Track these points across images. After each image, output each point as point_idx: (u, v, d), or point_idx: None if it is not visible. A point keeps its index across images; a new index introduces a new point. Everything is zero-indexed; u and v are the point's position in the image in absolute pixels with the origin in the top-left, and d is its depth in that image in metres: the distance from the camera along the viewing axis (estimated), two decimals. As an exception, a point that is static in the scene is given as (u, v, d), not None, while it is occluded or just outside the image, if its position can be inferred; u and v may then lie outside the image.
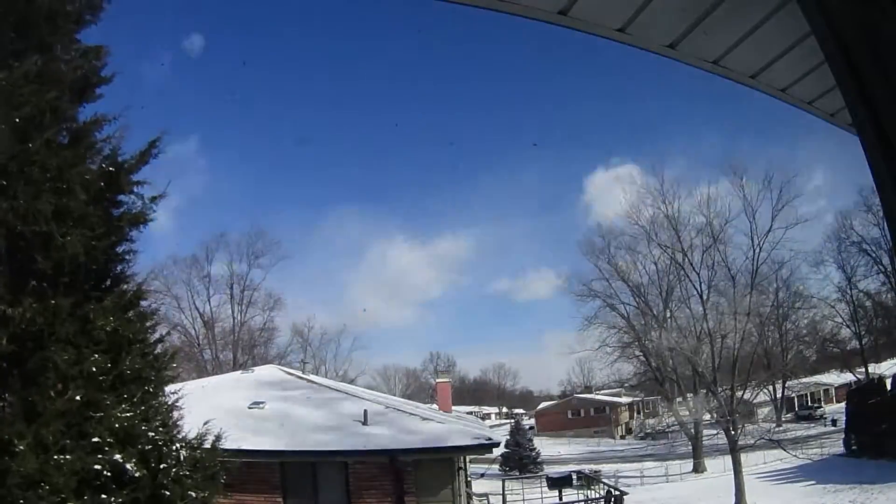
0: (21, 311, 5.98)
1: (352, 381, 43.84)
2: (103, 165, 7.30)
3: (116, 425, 6.50)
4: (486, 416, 63.73)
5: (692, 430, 36.34)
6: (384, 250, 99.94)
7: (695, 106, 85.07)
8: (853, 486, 25.29)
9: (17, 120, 6.34)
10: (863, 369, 45.98)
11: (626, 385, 54.82)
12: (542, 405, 71.55)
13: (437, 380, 29.73)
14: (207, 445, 7.88)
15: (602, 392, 64.05)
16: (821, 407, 51.55)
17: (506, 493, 24.13)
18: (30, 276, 6.37)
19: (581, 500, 22.09)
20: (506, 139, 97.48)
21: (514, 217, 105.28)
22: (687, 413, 35.98)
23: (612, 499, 19.77)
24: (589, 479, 26.09)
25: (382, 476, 15.01)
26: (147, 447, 6.81)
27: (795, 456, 32.80)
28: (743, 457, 28.29)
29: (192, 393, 9.44)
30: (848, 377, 47.32)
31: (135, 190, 7.47)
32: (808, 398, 54.08)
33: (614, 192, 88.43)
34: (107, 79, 7.77)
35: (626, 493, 20.48)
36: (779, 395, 49.08)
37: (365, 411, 16.03)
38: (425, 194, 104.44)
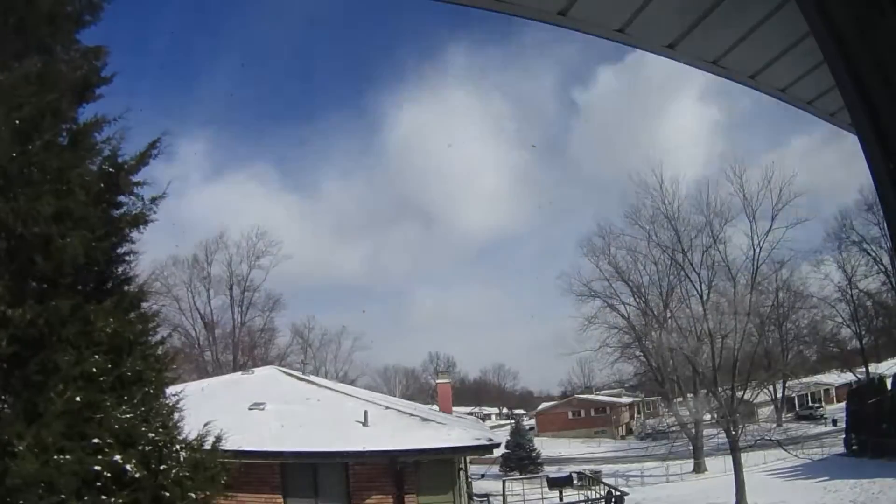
0: (21, 313, 5.98)
1: (352, 382, 43.81)
2: (103, 166, 7.31)
3: (117, 426, 6.50)
4: (486, 417, 63.63)
5: (693, 431, 36.33)
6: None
7: (693, 103, 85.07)
8: (854, 486, 25.30)
9: (18, 121, 6.35)
10: (863, 369, 45.92)
11: (626, 385, 54.86)
12: (543, 405, 71.47)
13: (438, 380, 29.70)
14: (208, 447, 7.88)
15: (602, 392, 63.99)
16: (821, 407, 51.49)
17: (506, 493, 24.12)
18: (30, 278, 6.38)
19: (581, 501, 22.10)
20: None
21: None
22: (687, 413, 35.96)
23: (613, 499, 19.78)
24: (589, 480, 26.09)
25: (383, 477, 15.01)
26: (147, 448, 6.81)
27: (795, 455, 32.82)
28: (744, 456, 28.29)
29: (193, 394, 9.44)
30: (848, 377, 47.25)
31: (135, 191, 7.48)
32: (809, 398, 54.03)
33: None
34: (107, 79, 7.78)
35: (626, 494, 20.49)
36: (779, 394, 49.05)
37: (365, 412, 16.03)
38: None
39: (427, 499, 15.17)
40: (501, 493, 24.15)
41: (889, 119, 1.79)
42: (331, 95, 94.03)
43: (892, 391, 32.81)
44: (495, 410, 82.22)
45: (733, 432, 28.48)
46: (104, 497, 6.21)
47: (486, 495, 23.95)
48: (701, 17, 2.96)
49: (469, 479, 20.23)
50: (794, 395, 52.59)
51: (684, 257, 35.80)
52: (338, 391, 19.98)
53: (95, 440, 6.30)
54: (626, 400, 62.97)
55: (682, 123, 80.00)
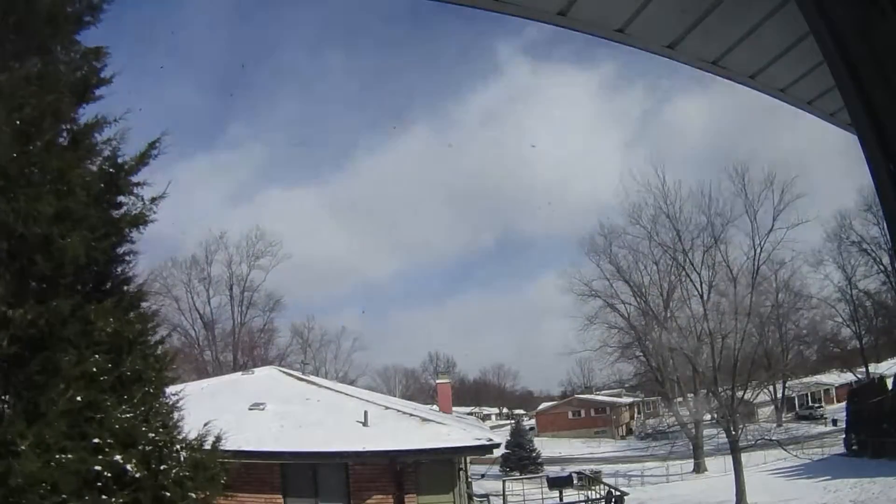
0: (22, 313, 5.98)
1: (352, 382, 43.80)
2: (103, 167, 7.31)
3: (117, 426, 6.51)
4: (486, 417, 63.64)
5: (693, 431, 36.34)
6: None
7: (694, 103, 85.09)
8: (854, 486, 25.29)
9: (18, 122, 6.36)
10: (863, 369, 45.99)
11: (626, 385, 54.82)
12: (543, 405, 71.47)
13: (438, 380, 29.72)
14: (208, 446, 7.88)
15: (602, 392, 64.00)
16: (821, 407, 51.50)
17: (506, 493, 24.12)
18: (31, 278, 6.38)
19: (582, 501, 22.09)
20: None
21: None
22: (687, 413, 35.97)
23: (613, 499, 19.80)
24: (589, 480, 26.09)
25: (383, 477, 15.02)
26: (148, 448, 6.81)
27: (795, 455, 32.83)
28: (744, 456, 28.29)
29: (193, 394, 9.44)
30: (848, 377, 47.32)
31: (135, 191, 7.48)
32: (809, 398, 54.04)
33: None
34: (107, 80, 7.78)
35: (626, 494, 20.50)
36: (779, 394, 49.06)
37: (365, 412, 16.04)
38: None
39: (427, 499, 15.17)
40: (501, 493, 24.16)
41: (889, 119, 1.79)
42: (329, 96, 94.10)
43: (892, 391, 32.82)
44: (495, 410, 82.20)
45: (733, 432, 28.48)
46: (105, 497, 6.22)
47: (486, 495, 23.94)
48: (701, 17, 2.96)
49: (469, 479, 20.23)
50: (794, 395, 52.60)
51: (685, 257, 35.83)
52: (338, 391, 19.99)
53: (96, 440, 6.31)
54: (626, 400, 62.96)
55: (684, 123, 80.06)
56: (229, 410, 14.18)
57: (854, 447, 32.44)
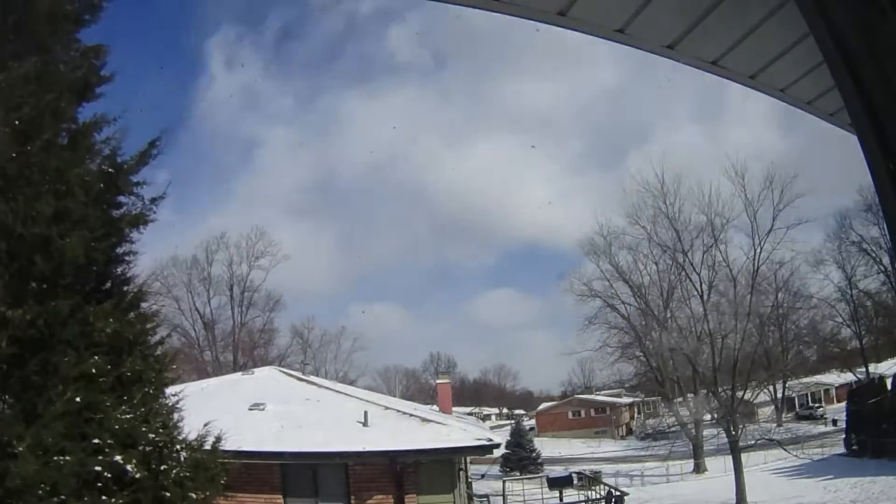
0: (21, 314, 5.97)
1: (352, 383, 43.74)
2: (103, 166, 7.29)
3: (117, 427, 6.50)
4: (486, 417, 63.60)
5: (693, 431, 36.32)
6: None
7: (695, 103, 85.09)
8: (854, 486, 25.30)
9: (17, 121, 6.35)
10: (863, 369, 45.97)
11: (626, 385, 54.83)
12: (543, 406, 71.50)
13: (438, 381, 29.73)
14: (208, 447, 7.88)
15: (602, 393, 64.01)
16: (821, 407, 51.50)
17: (506, 493, 24.12)
18: (30, 279, 6.37)
19: (582, 501, 22.09)
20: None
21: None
22: (687, 413, 35.94)
23: (613, 499, 19.80)
24: (589, 480, 26.09)
25: (383, 477, 15.01)
26: (148, 449, 6.81)
27: (795, 455, 32.83)
28: (744, 457, 28.29)
29: (193, 394, 9.43)
30: (848, 377, 47.29)
31: (134, 191, 7.47)
32: (809, 398, 54.03)
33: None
34: (107, 78, 7.77)
35: (626, 494, 20.50)
36: (779, 394, 49.04)
37: (365, 412, 16.03)
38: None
39: (427, 499, 15.16)
40: (502, 493, 24.16)
41: (889, 119, 1.78)
42: (325, 96, 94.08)
43: (892, 391, 32.81)
44: (495, 411, 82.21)
45: (733, 432, 28.48)
46: (105, 497, 6.21)
47: (487, 495, 23.93)
48: (701, 17, 2.96)
49: (469, 479, 20.23)
50: (794, 395, 52.59)
51: (685, 257, 35.78)
52: (338, 391, 19.98)
53: (96, 441, 6.30)
54: (626, 400, 62.96)
55: (683, 122, 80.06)
56: (229, 411, 14.17)
57: (854, 447, 32.43)
